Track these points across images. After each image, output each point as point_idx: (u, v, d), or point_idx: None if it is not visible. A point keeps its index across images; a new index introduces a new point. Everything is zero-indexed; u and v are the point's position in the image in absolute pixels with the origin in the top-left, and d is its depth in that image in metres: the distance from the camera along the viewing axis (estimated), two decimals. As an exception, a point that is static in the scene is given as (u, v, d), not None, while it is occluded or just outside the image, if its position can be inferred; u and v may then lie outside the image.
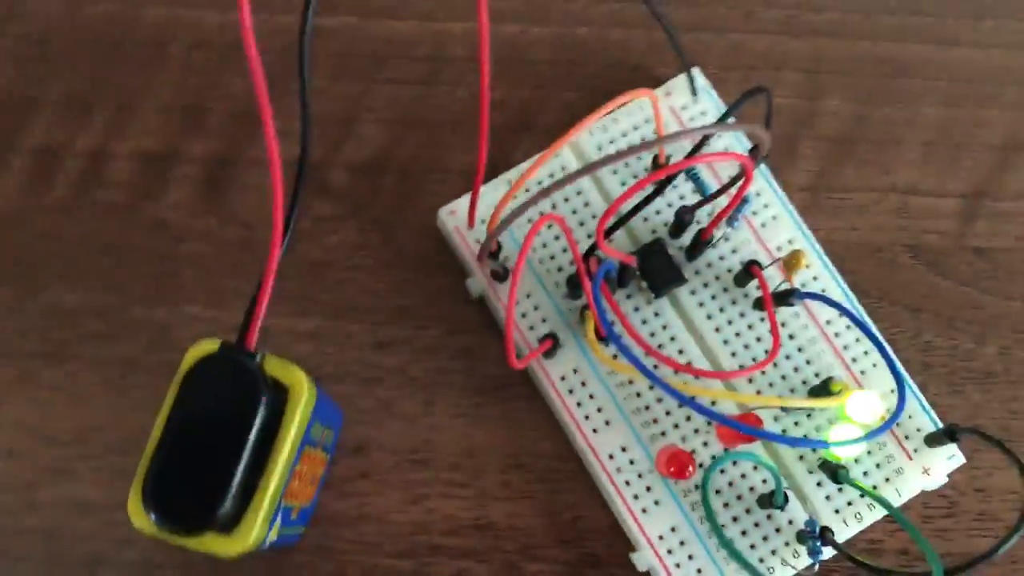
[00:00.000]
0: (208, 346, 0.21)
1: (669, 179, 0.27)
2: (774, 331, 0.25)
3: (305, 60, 0.22)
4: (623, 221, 0.27)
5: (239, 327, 0.21)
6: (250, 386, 0.20)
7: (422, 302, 0.29)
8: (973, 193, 0.31)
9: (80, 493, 0.28)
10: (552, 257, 0.28)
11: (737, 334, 0.28)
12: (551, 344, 0.26)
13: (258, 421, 0.20)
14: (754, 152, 0.25)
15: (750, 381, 0.27)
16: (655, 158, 0.28)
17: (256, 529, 0.20)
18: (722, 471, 0.27)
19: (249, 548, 0.20)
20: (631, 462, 0.27)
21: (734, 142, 0.29)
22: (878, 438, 0.27)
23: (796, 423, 0.27)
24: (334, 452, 0.28)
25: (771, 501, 0.25)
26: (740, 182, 0.24)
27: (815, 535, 0.24)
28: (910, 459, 0.27)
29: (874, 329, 0.27)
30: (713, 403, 0.26)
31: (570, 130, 0.23)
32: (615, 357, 0.27)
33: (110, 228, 0.30)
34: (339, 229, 0.30)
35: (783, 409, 0.27)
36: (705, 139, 0.28)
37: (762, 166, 0.29)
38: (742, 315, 0.28)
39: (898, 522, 0.26)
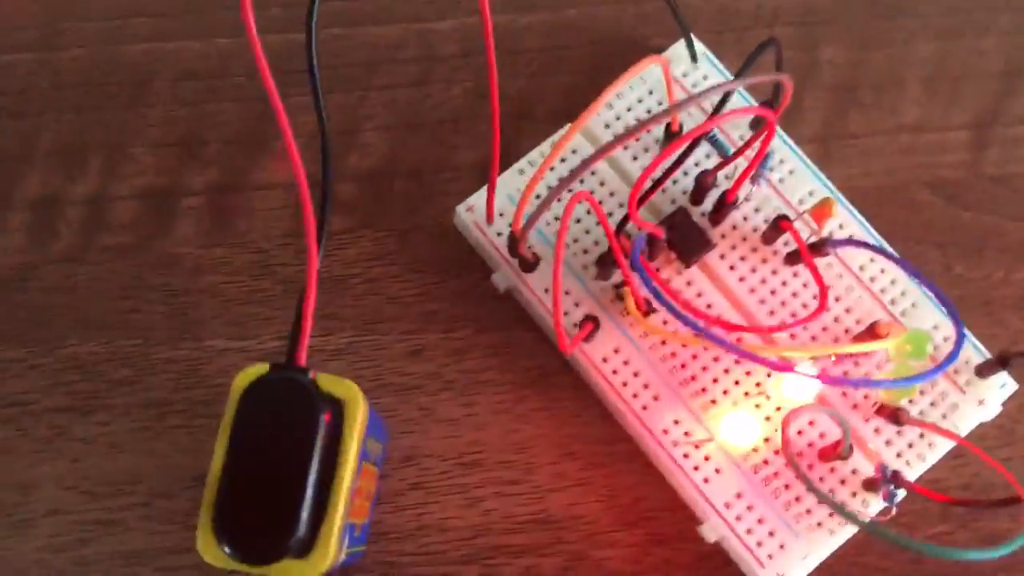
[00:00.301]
0: (257, 370, 0.20)
1: (692, 145, 0.27)
2: (817, 279, 0.25)
3: (314, 63, 0.21)
4: (646, 197, 0.27)
5: (286, 346, 0.20)
6: (307, 403, 0.19)
7: (448, 304, 0.29)
8: (981, 123, 0.31)
9: (130, 543, 0.27)
10: (576, 240, 0.28)
11: (772, 292, 0.27)
12: (592, 327, 0.26)
13: (320, 439, 0.19)
14: (772, 103, 0.25)
15: (793, 337, 0.27)
16: (667, 128, 0.28)
17: (332, 550, 0.20)
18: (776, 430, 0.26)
19: (325, 570, 0.20)
20: (686, 434, 0.26)
21: (742, 101, 0.29)
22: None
23: (845, 372, 0.27)
24: (383, 466, 0.27)
25: (835, 452, 0.25)
26: (761, 138, 0.24)
27: (888, 478, 0.24)
28: (963, 393, 0.27)
29: (912, 268, 0.26)
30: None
31: (587, 108, 0.23)
32: (665, 324, 0.27)
33: (121, 271, 0.29)
34: (355, 241, 0.29)
35: (832, 359, 0.26)
36: (724, 99, 0.27)
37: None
38: (774, 273, 0.28)
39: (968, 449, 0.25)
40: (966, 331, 0.27)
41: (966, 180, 0.30)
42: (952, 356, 0.22)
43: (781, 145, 0.29)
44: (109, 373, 0.28)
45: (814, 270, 0.25)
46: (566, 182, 0.21)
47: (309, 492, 0.19)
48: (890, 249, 0.28)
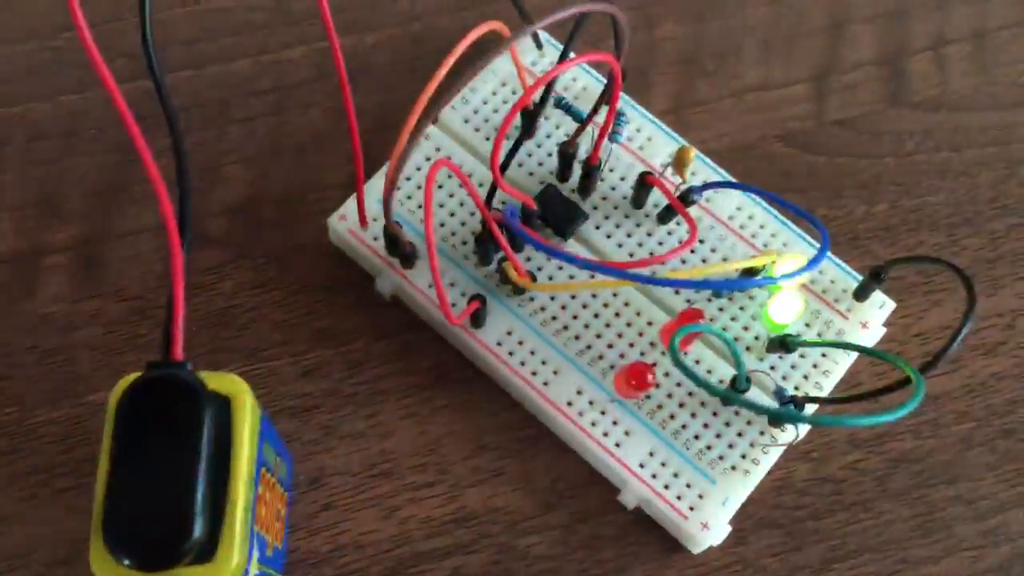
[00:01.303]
0: (133, 378, 0.20)
1: (541, 105, 0.28)
2: (687, 218, 0.25)
3: (153, 63, 0.21)
4: (504, 167, 0.27)
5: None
6: (189, 397, 0.19)
7: (337, 319, 0.28)
8: (818, 75, 0.32)
9: (30, 617, 0.25)
10: (453, 233, 0.28)
11: (651, 254, 0.28)
12: (479, 304, 0.26)
13: (206, 431, 0.18)
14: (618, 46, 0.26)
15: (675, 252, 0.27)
16: (523, 109, 0.29)
17: (236, 551, 0.19)
18: (678, 384, 0.27)
19: (231, 574, 0.19)
20: (590, 403, 0.26)
21: (582, 74, 0.30)
22: (813, 308, 0.27)
23: (733, 318, 0.27)
24: (292, 491, 0.26)
25: (735, 387, 0.25)
26: (611, 93, 0.25)
27: (788, 399, 0.24)
28: (846, 319, 0.28)
29: (779, 204, 0.27)
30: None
31: (424, 90, 0.23)
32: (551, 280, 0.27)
33: (-11, 340, 0.28)
34: (232, 273, 0.29)
35: (715, 295, 0.27)
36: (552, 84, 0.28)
37: (624, 96, 0.30)
38: (650, 234, 0.28)
39: (865, 353, 0.26)
40: (841, 263, 0.28)
41: (814, 129, 0.31)
42: (817, 258, 0.23)
43: (636, 115, 0.30)
44: (-14, 446, 0.27)
45: (682, 211, 0.25)
46: (416, 132, 0.22)
47: (201, 489, 0.18)
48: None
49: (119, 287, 0.28)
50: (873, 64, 0.32)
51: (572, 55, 0.28)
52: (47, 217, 0.29)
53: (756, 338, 0.27)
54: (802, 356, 0.27)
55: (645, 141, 0.29)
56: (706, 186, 0.27)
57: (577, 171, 0.28)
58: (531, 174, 0.29)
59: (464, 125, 0.29)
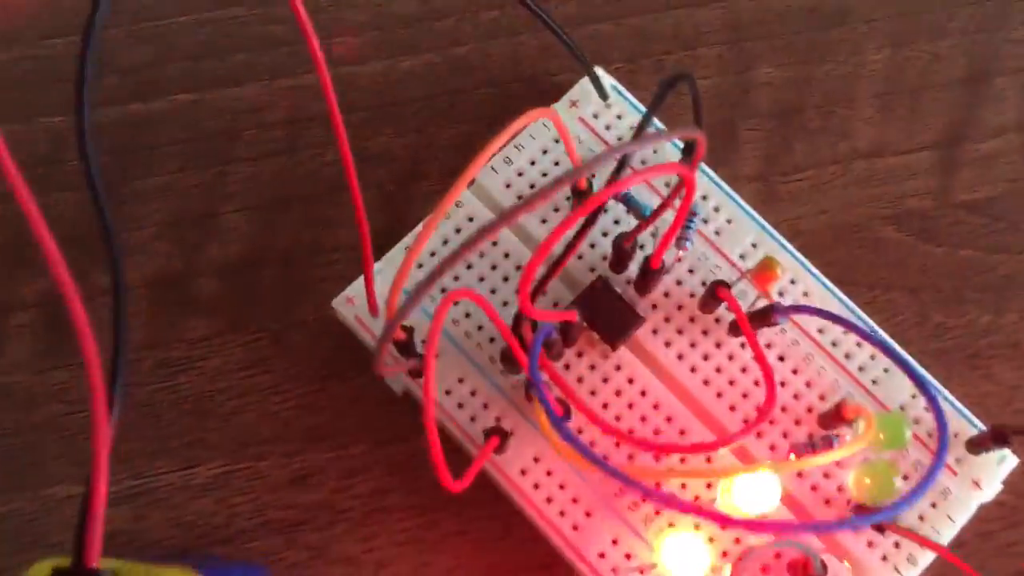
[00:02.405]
0: (42, 570, 0.16)
1: (598, 209, 0.23)
2: (763, 365, 0.20)
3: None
4: (554, 270, 0.22)
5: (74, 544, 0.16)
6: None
7: (336, 415, 0.24)
8: (947, 140, 0.26)
9: None
10: (480, 328, 0.23)
11: (718, 369, 0.23)
12: (498, 441, 0.21)
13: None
14: (689, 155, 0.21)
15: (743, 430, 0.22)
16: (575, 187, 0.23)
17: None
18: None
19: None
20: (627, 556, 0.22)
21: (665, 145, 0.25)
22: (914, 458, 0.22)
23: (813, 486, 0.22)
24: (267, 626, 0.23)
25: (805, 573, 0.20)
26: (682, 194, 0.19)
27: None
28: (955, 475, 0.22)
29: (882, 333, 0.22)
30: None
31: (457, 181, 0.18)
32: (580, 433, 0.22)
33: (-60, 413, 0.24)
34: (221, 348, 0.25)
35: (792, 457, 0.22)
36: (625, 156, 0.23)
37: (702, 166, 0.24)
38: (718, 346, 0.23)
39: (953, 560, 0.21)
40: (955, 401, 0.23)
41: (936, 210, 0.26)
42: (932, 473, 0.18)
43: (715, 190, 0.24)
44: (-73, 541, 0.23)
45: (759, 355, 0.20)
46: (440, 268, 0.17)
47: None
48: (849, 306, 0.23)
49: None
50: (1020, 131, 0.26)
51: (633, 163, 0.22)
52: (13, 267, 0.25)
53: (839, 489, 0.22)
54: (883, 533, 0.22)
55: (724, 224, 0.24)
56: (791, 309, 0.21)
57: (636, 262, 0.23)
58: (580, 258, 0.24)
59: (506, 191, 0.24)
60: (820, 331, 0.23)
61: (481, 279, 0.24)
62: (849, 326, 0.21)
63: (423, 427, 0.23)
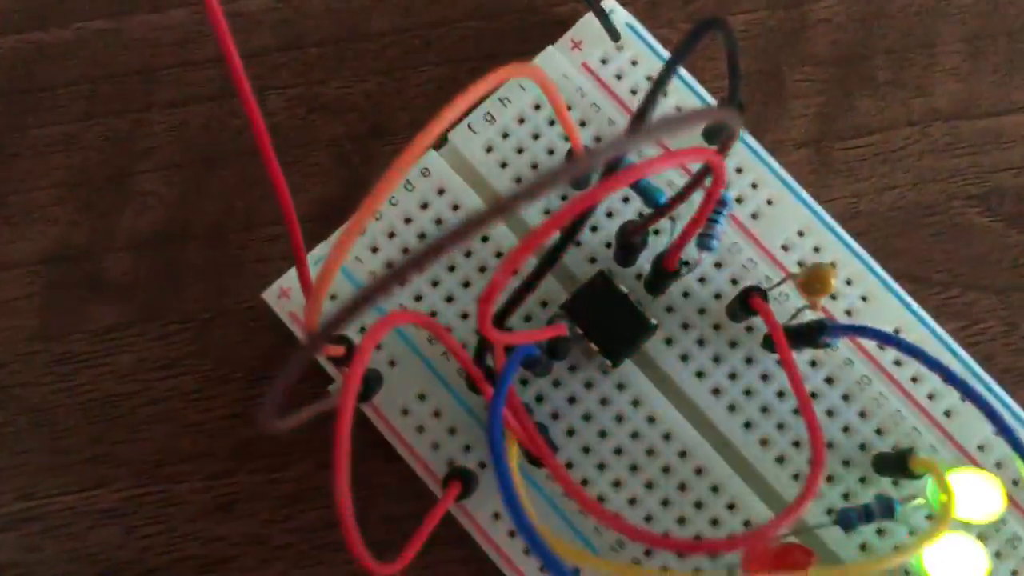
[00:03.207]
0: None
1: (588, 211, 0.17)
2: (799, 391, 0.15)
3: None
4: (545, 268, 0.17)
5: None
6: None
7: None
8: (1053, 98, 0.21)
9: None
10: (449, 328, 0.18)
11: (747, 392, 0.18)
12: (458, 489, 0.17)
13: None
14: (721, 138, 0.15)
15: (781, 467, 0.18)
16: (570, 151, 0.18)
17: None
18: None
19: None
20: (622, 628, 0.17)
21: (677, 88, 0.19)
22: (1011, 532, 0.17)
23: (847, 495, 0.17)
24: None
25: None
26: (708, 181, 0.14)
27: None
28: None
29: (960, 351, 0.17)
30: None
31: (413, 141, 0.13)
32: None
33: None
34: (132, 342, 0.20)
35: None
36: (646, 105, 0.17)
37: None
38: (749, 362, 0.18)
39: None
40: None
41: (1034, 188, 0.20)
42: None
43: (753, 160, 0.19)
44: None
45: (795, 380, 0.15)
46: (380, 287, 0.12)
47: None
48: (918, 314, 0.18)
49: (-23, 347, 0.20)
50: None
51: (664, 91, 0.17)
52: None
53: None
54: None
55: (763, 205, 0.19)
56: (853, 330, 0.16)
57: (647, 255, 0.18)
58: (578, 244, 0.19)
59: (485, 156, 0.19)
60: (880, 347, 0.18)
61: (451, 268, 0.19)
62: (922, 357, 0.16)
63: (380, 443, 0.19)
